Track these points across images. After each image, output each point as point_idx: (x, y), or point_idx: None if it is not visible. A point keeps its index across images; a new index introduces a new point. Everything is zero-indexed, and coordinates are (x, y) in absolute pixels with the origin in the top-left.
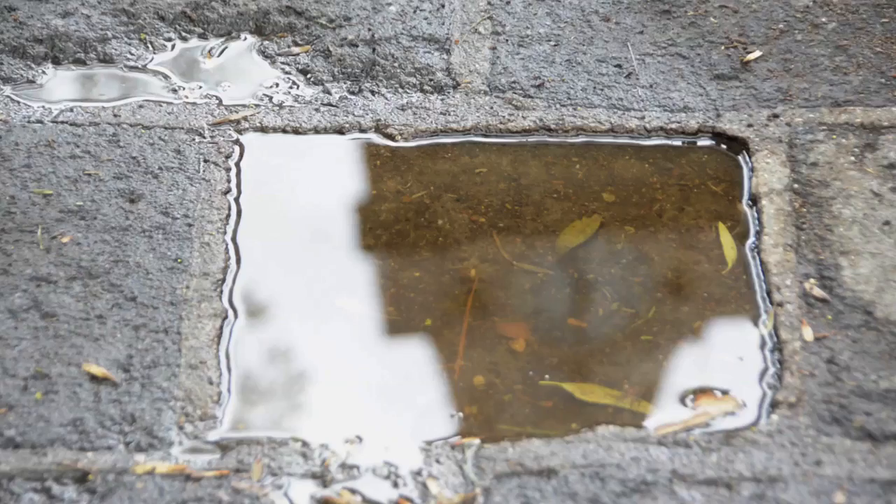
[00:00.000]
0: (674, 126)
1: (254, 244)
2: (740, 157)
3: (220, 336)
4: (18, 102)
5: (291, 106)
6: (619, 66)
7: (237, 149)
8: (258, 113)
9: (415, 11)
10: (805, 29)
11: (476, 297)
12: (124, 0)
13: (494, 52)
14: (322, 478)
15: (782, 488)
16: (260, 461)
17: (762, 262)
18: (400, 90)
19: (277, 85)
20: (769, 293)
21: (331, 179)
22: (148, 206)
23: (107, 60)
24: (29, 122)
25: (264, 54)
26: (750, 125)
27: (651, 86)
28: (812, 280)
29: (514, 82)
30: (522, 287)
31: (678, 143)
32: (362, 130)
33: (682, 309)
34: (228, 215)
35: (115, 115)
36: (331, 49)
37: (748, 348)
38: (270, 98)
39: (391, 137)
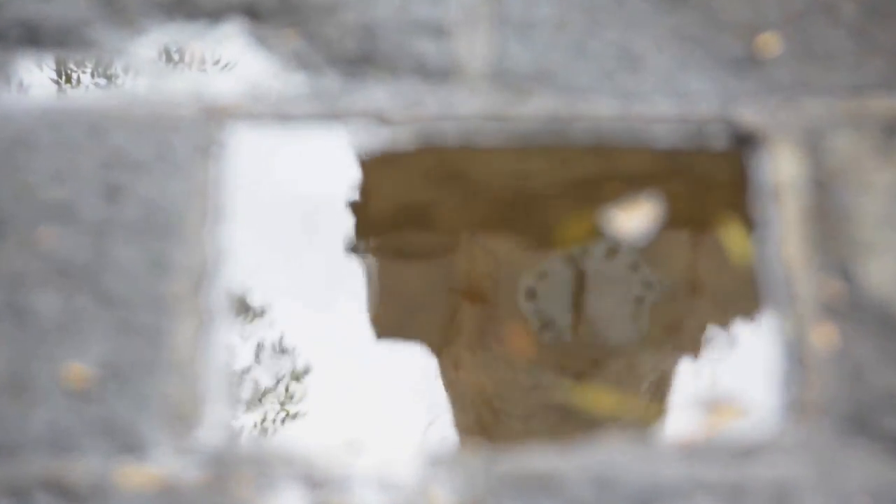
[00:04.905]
0: (685, 114)
1: (243, 240)
2: (755, 149)
3: (206, 336)
4: None
5: (284, 93)
6: (627, 51)
7: (226, 138)
8: (248, 100)
9: None
10: (824, 14)
11: (476, 296)
12: None
13: (497, 37)
14: (315, 484)
15: (802, 496)
16: (249, 467)
17: (779, 260)
18: (398, 77)
19: (269, 71)
20: (786, 292)
21: (324, 170)
22: (131, 199)
23: (89, 46)
24: (6, 112)
25: (256, 38)
26: (765, 114)
27: (661, 73)
28: (832, 278)
29: (517, 68)
30: (525, 286)
31: (689, 132)
32: (358, 118)
33: (694, 309)
34: (216, 209)
35: (97, 104)
36: (326, 33)
37: (765, 350)
38: (262, 85)
39: (389, 125)
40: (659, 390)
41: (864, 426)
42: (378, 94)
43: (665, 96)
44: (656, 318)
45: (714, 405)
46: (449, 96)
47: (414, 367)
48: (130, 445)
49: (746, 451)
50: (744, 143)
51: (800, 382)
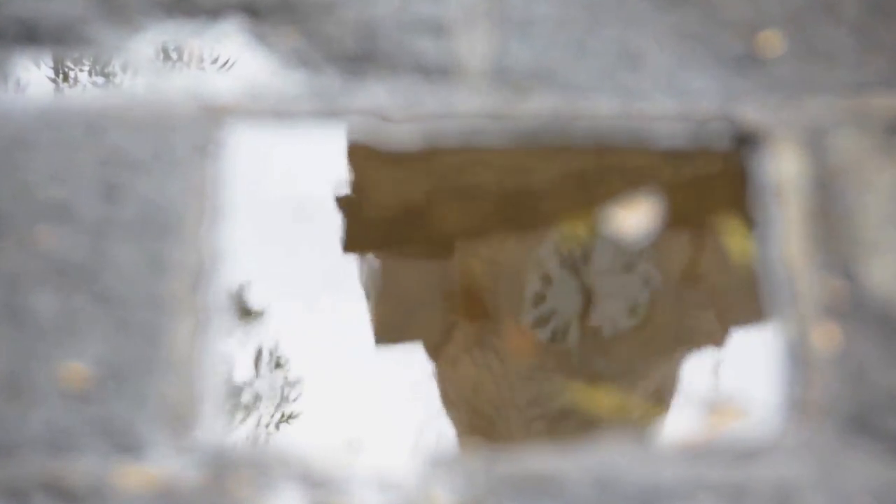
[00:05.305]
0: (686, 113)
1: (241, 240)
2: (756, 147)
3: (204, 335)
4: None
5: (283, 91)
6: (628, 49)
7: (224, 137)
8: (247, 99)
9: None
10: (825, 12)
11: (477, 296)
12: None
13: (498, 35)
14: (314, 484)
15: (804, 496)
16: (248, 467)
17: (780, 259)
18: (398, 75)
19: (268, 69)
20: (788, 292)
21: (324, 169)
22: (129, 199)
23: (87, 44)
24: (3, 111)
25: (255, 36)
26: (766, 113)
27: (662, 71)
28: (834, 277)
29: (517, 66)
30: (525, 286)
31: (690, 130)
32: (358, 117)
33: (695, 310)
34: (214, 208)
35: (95, 103)
36: (326, 31)
37: (766, 351)
38: (261, 83)
39: (388, 124)
40: (660, 391)
41: (867, 426)
42: (378, 92)
43: (666, 94)
44: (657, 319)
45: (715, 405)
46: (449, 95)
47: (414, 367)
48: (128, 445)
49: (748, 452)
50: (745, 141)
51: (801, 382)
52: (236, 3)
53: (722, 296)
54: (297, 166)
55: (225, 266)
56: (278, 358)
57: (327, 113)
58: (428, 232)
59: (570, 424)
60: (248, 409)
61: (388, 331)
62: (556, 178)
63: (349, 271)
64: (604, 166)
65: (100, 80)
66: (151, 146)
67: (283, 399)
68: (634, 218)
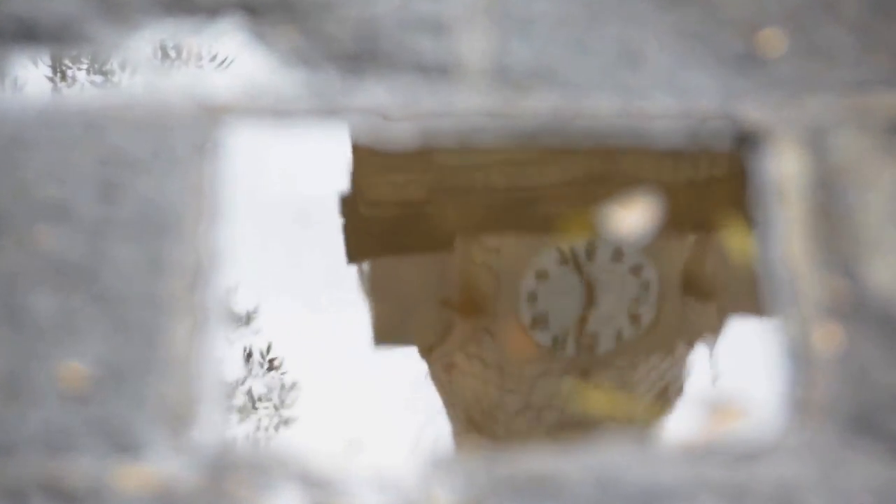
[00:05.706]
0: (686, 111)
1: (241, 240)
2: (757, 147)
3: (203, 335)
4: None
5: (282, 90)
6: (628, 48)
7: (223, 136)
8: (246, 98)
9: None
10: (826, 10)
11: (476, 296)
12: None
13: (498, 34)
14: (314, 484)
15: (805, 497)
16: (247, 467)
17: (782, 259)
18: (398, 73)
19: (268, 67)
20: (790, 292)
21: (324, 169)
22: (128, 198)
23: (85, 42)
24: (1, 109)
25: (254, 35)
26: (767, 111)
27: (662, 69)
28: (835, 277)
29: (517, 65)
30: (524, 286)
31: (691, 129)
32: (357, 115)
33: (696, 311)
34: (213, 207)
35: (93, 102)
36: (325, 30)
37: (768, 351)
38: (260, 82)
39: (388, 122)
40: (661, 391)
41: (869, 427)
42: (377, 90)
43: (666, 93)
44: (658, 319)
45: (716, 406)
46: (448, 93)
47: (413, 368)
48: (127, 446)
49: (749, 452)
50: (746, 140)
51: (803, 383)
52: (235, 0)
53: (723, 296)
54: (295, 165)
55: (223, 265)
56: (277, 358)
57: (326, 112)
58: (427, 231)
59: (570, 424)
60: (247, 409)
61: (387, 330)
62: (556, 176)
63: (348, 271)
64: (603, 165)
65: (98, 78)
66: (150, 145)
67: (282, 399)
68: (634, 217)
